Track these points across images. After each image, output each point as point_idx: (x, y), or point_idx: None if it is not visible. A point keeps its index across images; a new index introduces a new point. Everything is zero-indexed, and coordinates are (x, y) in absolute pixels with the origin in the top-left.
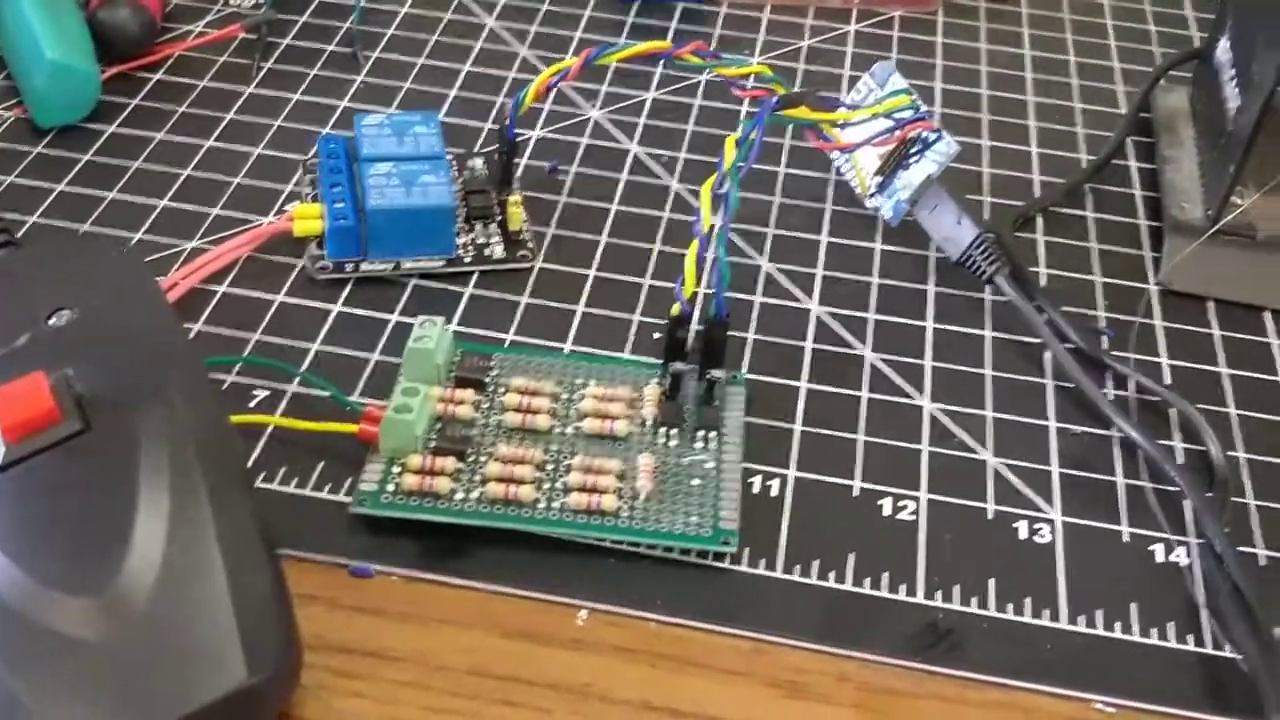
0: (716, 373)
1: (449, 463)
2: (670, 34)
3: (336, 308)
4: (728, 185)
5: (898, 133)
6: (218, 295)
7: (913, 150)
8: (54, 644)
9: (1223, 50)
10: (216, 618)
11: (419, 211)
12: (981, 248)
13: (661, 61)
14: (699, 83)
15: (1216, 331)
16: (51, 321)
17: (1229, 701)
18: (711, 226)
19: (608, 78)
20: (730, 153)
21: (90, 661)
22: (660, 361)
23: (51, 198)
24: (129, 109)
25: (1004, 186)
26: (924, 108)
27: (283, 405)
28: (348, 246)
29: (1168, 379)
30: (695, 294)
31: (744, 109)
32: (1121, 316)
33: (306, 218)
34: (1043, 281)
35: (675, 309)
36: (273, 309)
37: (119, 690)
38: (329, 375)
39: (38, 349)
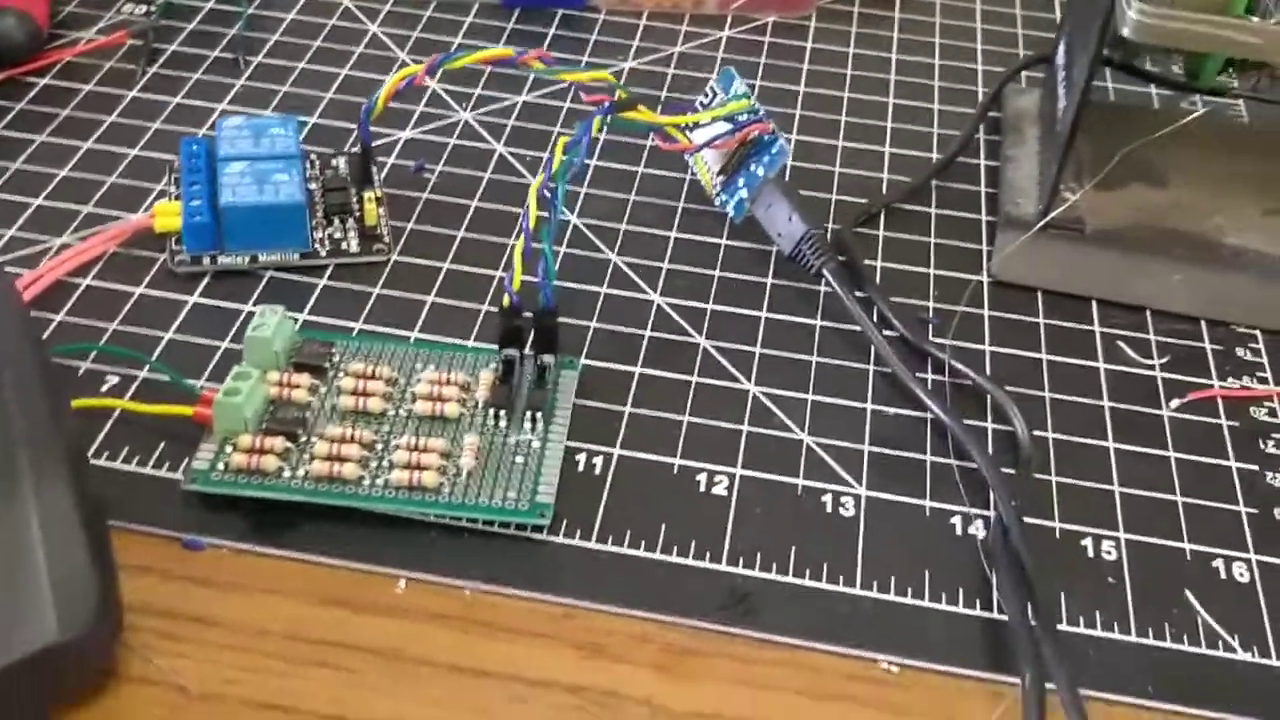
0: (547, 358)
1: (278, 443)
2: (548, 40)
3: (193, 299)
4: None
5: (737, 135)
6: (81, 288)
7: (751, 151)
8: None
9: (1060, 54)
10: (30, 582)
11: (270, 208)
12: (810, 243)
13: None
14: (569, 88)
15: (1042, 320)
16: None
17: (1006, 662)
18: (538, 222)
19: (481, 82)
20: (559, 155)
21: None
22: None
23: None
24: (13, 113)
25: (854, 185)
26: (762, 111)
27: (131, 391)
28: (204, 241)
29: (990, 366)
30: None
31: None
32: (952, 307)
33: (167, 214)
34: (879, 276)
35: (506, 300)
36: (132, 300)
37: None
38: (181, 363)
39: None
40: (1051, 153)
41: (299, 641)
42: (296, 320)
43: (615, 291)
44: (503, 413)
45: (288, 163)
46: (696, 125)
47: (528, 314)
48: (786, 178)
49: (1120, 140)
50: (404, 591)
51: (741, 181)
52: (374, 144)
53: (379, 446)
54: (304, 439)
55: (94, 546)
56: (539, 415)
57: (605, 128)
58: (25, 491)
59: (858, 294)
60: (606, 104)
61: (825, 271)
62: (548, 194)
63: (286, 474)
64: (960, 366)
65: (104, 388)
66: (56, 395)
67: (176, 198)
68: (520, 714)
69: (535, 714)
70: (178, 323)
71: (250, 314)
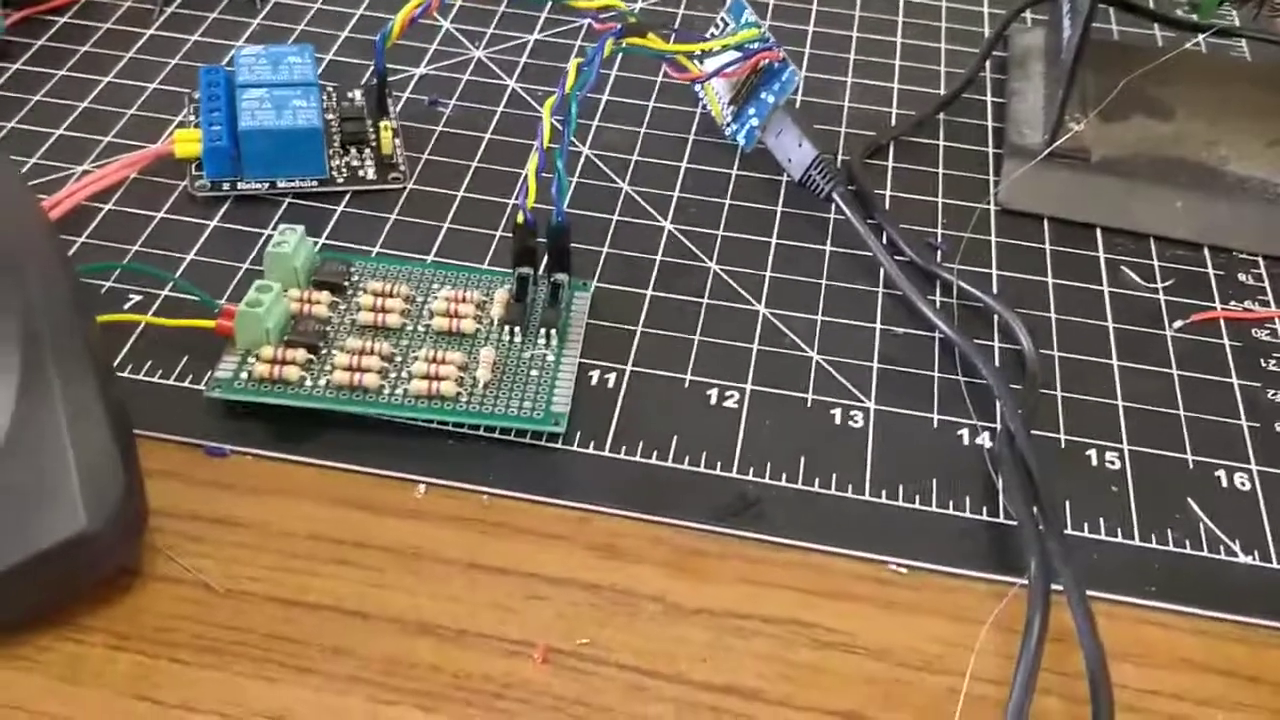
0: (560, 276)
1: (299, 354)
2: None
3: (213, 223)
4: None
5: (747, 62)
6: (103, 212)
7: (761, 80)
8: None
9: None
10: (58, 476)
11: (288, 132)
12: (820, 168)
13: (547, 6)
14: (581, 26)
15: (1048, 246)
16: None
17: (1011, 562)
18: (551, 140)
19: (494, 21)
20: (572, 75)
21: None
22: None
23: None
24: (34, 49)
25: (863, 120)
26: (772, 40)
27: (154, 308)
28: (223, 166)
29: (997, 288)
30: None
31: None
32: (959, 234)
33: (186, 141)
34: (888, 204)
35: (520, 218)
36: (153, 224)
37: None
38: (202, 284)
39: None
40: (1057, 84)
41: (321, 542)
42: (315, 243)
43: (626, 219)
44: (517, 329)
45: (305, 90)
46: (707, 54)
47: (541, 240)
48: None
49: (1124, 74)
50: (423, 496)
51: (752, 110)
52: (389, 79)
53: (398, 359)
54: (324, 351)
55: (120, 445)
56: (553, 332)
57: (619, 53)
58: (54, 391)
59: (868, 221)
60: (618, 28)
61: (835, 195)
62: (558, 126)
63: (308, 383)
64: (968, 287)
65: (127, 305)
66: (82, 305)
67: (195, 126)
68: (538, 609)
69: (553, 609)
70: (198, 245)
71: (269, 237)
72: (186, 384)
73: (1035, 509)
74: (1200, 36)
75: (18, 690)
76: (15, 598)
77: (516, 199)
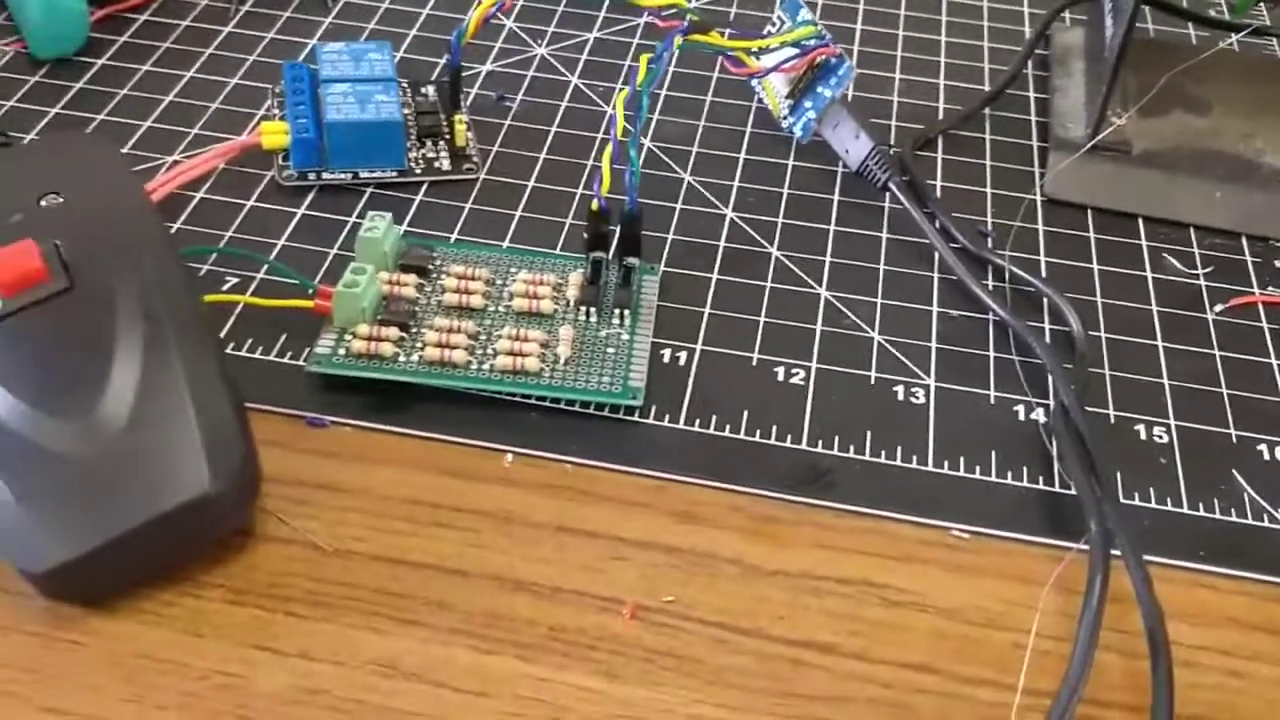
0: (632, 260)
1: (393, 332)
2: None
3: (301, 211)
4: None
5: (804, 58)
6: (195, 200)
7: (817, 75)
8: (41, 456)
9: None
10: (184, 439)
11: (372, 125)
12: (877, 158)
13: (605, 4)
14: (638, 25)
15: (1092, 235)
16: (42, 203)
17: (1066, 527)
18: (626, 133)
19: (555, 20)
20: (643, 70)
21: (72, 471)
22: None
23: (47, 119)
24: (117, 45)
25: (912, 113)
26: (828, 36)
27: (251, 289)
28: (309, 157)
29: (1045, 274)
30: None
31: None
32: (1008, 222)
33: (274, 133)
34: (939, 194)
35: (594, 205)
36: (243, 212)
37: (95, 495)
38: (292, 267)
39: (29, 223)
40: (1098, 81)
41: (419, 506)
42: (400, 230)
43: (689, 207)
44: (593, 310)
45: (385, 85)
46: (766, 50)
47: (611, 227)
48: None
49: (1162, 71)
50: (510, 464)
51: (808, 104)
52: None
53: (482, 336)
54: (414, 329)
55: (236, 413)
56: (626, 312)
57: (679, 50)
58: (176, 365)
59: (923, 210)
60: (684, 25)
61: (891, 185)
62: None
63: (401, 359)
64: (1019, 272)
65: (225, 287)
66: (193, 285)
67: (280, 119)
68: (624, 570)
69: (636, 570)
70: (288, 232)
71: (354, 225)
72: (286, 360)
73: (1092, 475)
74: (1235, 36)
75: (145, 641)
76: (143, 555)
77: (591, 188)
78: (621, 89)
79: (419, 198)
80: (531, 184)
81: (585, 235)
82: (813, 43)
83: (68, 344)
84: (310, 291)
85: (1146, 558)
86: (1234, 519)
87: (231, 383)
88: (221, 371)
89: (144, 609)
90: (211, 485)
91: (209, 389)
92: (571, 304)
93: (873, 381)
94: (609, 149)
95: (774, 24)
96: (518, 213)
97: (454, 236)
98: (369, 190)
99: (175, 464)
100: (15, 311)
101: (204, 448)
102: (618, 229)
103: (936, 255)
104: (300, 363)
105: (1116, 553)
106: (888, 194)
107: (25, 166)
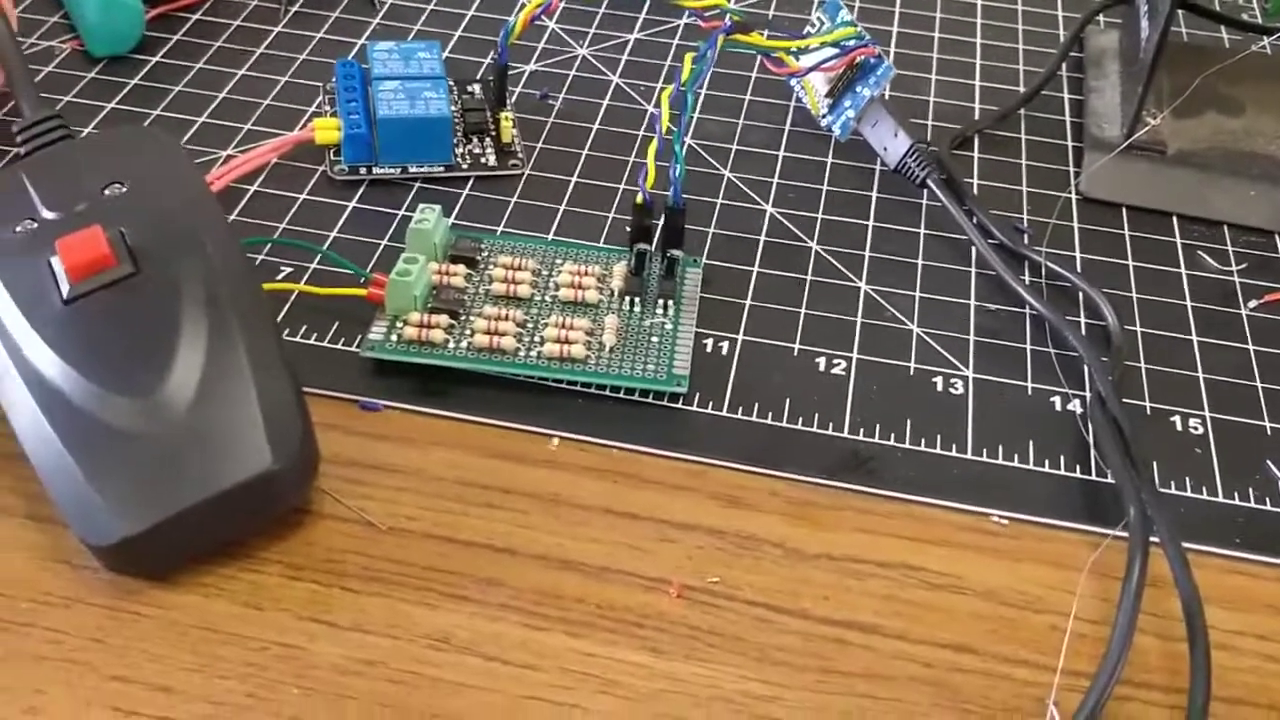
0: (675, 252)
1: (443, 319)
2: None
3: (352, 204)
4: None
5: (844, 58)
6: (249, 193)
7: (857, 75)
8: (108, 434)
9: None
10: (246, 419)
11: (421, 121)
12: (915, 155)
13: (646, 6)
14: (678, 26)
15: (1127, 232)
16: (106, 192)
17: (1103, 514)
18: (670, 129)
19: (596, 21)
20: (688, 67)
21: (138, 449)
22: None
23: (103, 114)
24: (171, 43)
25: (947, 113)
26: (868, 37)
27: (305, 278)
28: (361, 152)
29: (1080, 269)
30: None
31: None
32: (1044, 220)
33: (326, 128)
34: (974, 191)
35: (639, 198)
36: (296, 204)
37: (160, 471)
38: (344, 257)
39: (95, 211)
40: (1134, 82)
41: (469, 487)
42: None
43: (730, 203)
44: (636, 300)
45: (434, 82)
46: (806, 50)
47: (654, 222)
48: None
49: (1195, 73)
50: (557, 448)
51: (848, 102)
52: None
53: (529, 324)
54: (464, 317)
55: (296, 393)
56: (670, 302)
57: (721, 49)
58: (239, 347)
59: (963, 207)
60: (727, 25)
61: (930, 181)
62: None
63: (451, 345)
64: (1056, 267)
65: (279, 276)
66: (253, 271)
67: (331, 115)
68: (669, 551)
69: (683, 550)
70: (339, 224)
71: (403, 218)
72: (339, 346)
73: (1129, 462)
74: (1267, 39)
75: (207, 613)
76: (205, 530)
77: (637, 183)
78: (665, 87)
79: (465, 192)
80: (575, 179)
81: (629, 228)
82: (852, 43)
83: (134, 326)
84: (363, 280)
85: (1184, 545)
86: (1269, 507)
87: (290, 366)
88: (281, 355)
89: (205, 583)
90: (273, 463)
91: (270, 371)
92: (616, 294)
93: (912, 372)
94: (654, 144)
95: (813, 25)
96: (561, 207)
97: (500, 229)
98: (417, 184)
99: (238, 442)
100: (83, 295)
101: (266, 427)
102: (660, 222)
103: (974, 251)
104: (353, 349)
105: (1154, 539)
106: (925, 191)
107: (89, 157)
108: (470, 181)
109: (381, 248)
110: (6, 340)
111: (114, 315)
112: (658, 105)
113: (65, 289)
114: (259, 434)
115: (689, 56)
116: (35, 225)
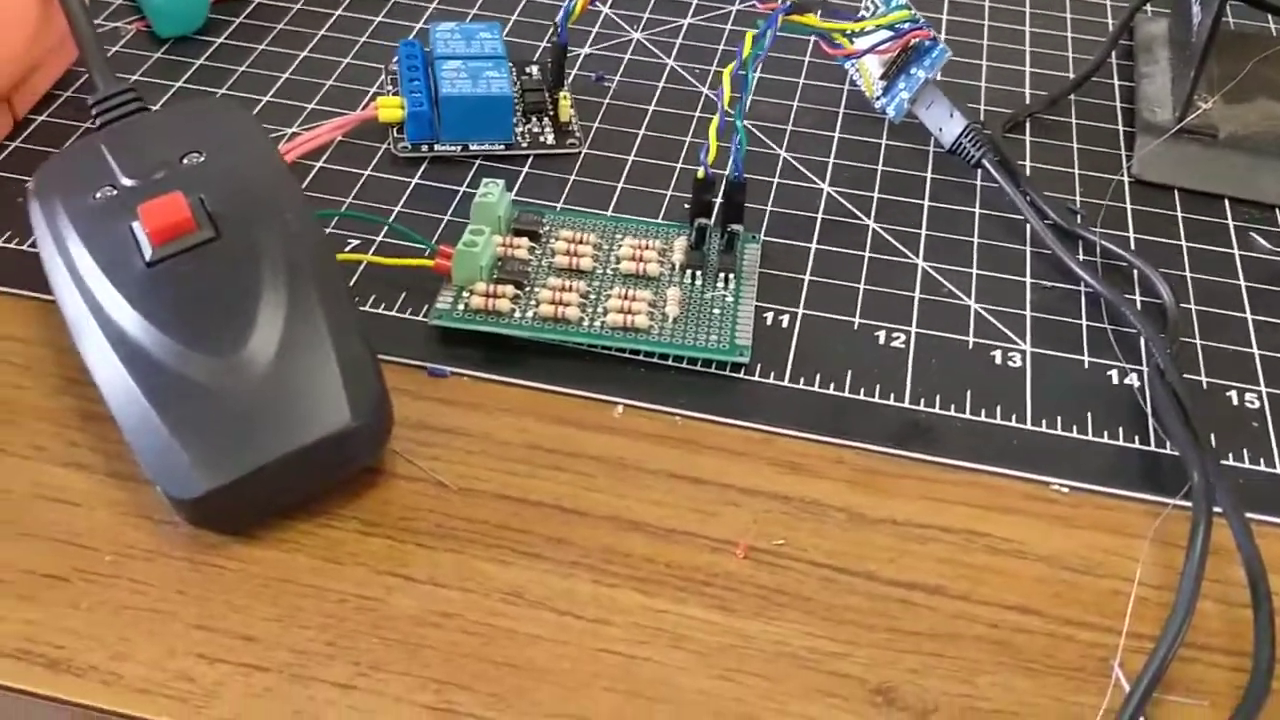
0: (735, 226)
1: (508, 290)
2: None
3: (415, 180)
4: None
5: (899, 40)
6: (315, 169)
7: (911, 57)
8: (192, 390)
9: None
10: (326, 378)
11: (483, 99)
12: (970, 136)
13: None
14: (730, 12)
15: (1180, 214)
16: (184, 161)
17: (1162, 484)
18: (733, 102)
19: (649, 6)
20: (749, 44)
21: (220, 405)
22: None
23: (170, 93)
24: (235, 25)
25: (999, 98)
26: (922, 20)
27: (372, 250)
28: (423, 130)
29: (1133, 249)
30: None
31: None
32: (1097, 201)
33: (389, 107)
34: (1027, 173)
35: (700, 173)
36: (361, 180)
37: (242, 427)
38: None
39: (174, 179)
40: (1184, 67)
41: (537, 450)
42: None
43: (786, 181)
44: (697, 273)
45: (496, 62)
46: (861, 33)
47: (713, 198)
48: None
49: (1244, 59)
50: (621, 415)
51: (902, 84)
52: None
53: (593, 296)
54: (528, 288)
55: (371, 355)
56: (730, 275)
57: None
58: (317, 310)
59: (1019, 188)
60: (786, 5)
61: (985, 162)
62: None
63: (517, 315)
64: (1111, 246)
65: (348, 248)
66: (328, 239)
67: (394, 94)
68: (735, 514)
69: (748, 515)
70: (403, 200)
71: (464, 194)
72: (408, 315)
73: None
74: None
75: (286, 567)
76: (284, 486)
77: (697, 160)
78: (726, 67)
79: (525, 170)
80: (632, 158)
81: (687, 204)
82: (907, 26)
83: (216, 288)
84: (429, 252)
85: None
86: None
87: (365, 329)
88: (357, 319)
89: (283, 538)
90: (351, 420)
91: (347, 334)
92: (677, 268)
93: (970, 346)
94: (715, 119)
95: (869, 8)
96: (619, 185)
97: (560, 206)
98: (478, 162)
99: (318, 400)
100: (165, 258)
101: (344, 386)
102: (720, 198)
103: (1028, 229)
104: (421, 318)
105: (1216, 509)
106: (980, 171)
107: (165, 127)
108: (529, 159)
109: (444, 223)
110: (90, 299)
111: (196, 278)
112: (713, 87)
113: (148, 252)
114: (338, 393)
115: (750, 34)
116: (115, 192)
